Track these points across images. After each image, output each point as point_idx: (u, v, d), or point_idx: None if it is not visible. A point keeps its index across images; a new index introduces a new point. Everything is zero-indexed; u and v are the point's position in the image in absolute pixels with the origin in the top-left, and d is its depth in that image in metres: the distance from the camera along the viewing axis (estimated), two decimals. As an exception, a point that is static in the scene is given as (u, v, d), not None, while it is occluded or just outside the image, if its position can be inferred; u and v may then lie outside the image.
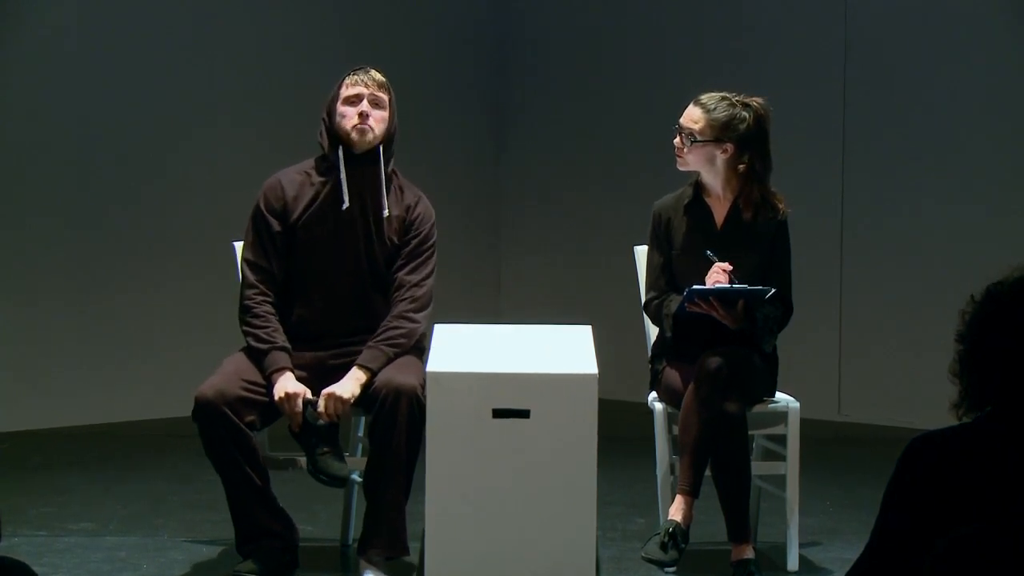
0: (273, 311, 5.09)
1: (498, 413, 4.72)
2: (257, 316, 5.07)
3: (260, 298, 5.09)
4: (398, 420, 4.88)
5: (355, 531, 5.36)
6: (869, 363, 8.03)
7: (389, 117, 5.13)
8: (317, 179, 5.16)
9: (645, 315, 5.34)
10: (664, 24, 8.60)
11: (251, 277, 5.12)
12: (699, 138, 5.13)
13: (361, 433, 5.31)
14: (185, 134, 7.94)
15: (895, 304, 7.95)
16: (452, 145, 8.76)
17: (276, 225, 5.13)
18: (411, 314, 5.10)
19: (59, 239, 7.67)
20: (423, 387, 4.94)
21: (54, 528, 5.73)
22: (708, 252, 5.12)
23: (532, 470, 4.71)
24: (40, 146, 7.62)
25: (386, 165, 5.15)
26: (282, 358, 5.01)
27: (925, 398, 6.94)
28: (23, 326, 7.56)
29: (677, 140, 5.18)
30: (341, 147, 5.12)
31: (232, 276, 5.50)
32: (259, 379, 4.99)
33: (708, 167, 5.17)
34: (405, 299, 5.11)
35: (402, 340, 5.06)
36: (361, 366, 5.00)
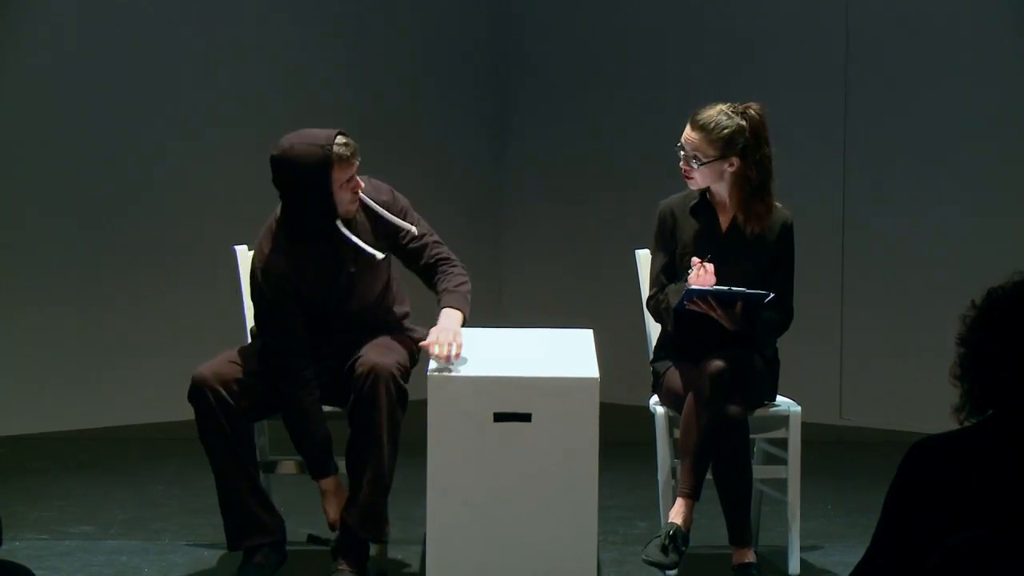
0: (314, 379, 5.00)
1: (499, 417, 4.72)
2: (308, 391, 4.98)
3: (302, 361, 4.97)
4: (377, 403, 4.84)
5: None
6: (870, 367, 8.01)
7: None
8: (304, 249, 4.99)
9: (647, 312, 5.33)
10: (664, 27, 8.59)
11: (282, 342, 4.99)
12: (704, 160, 5.11)
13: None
14: (186, 138, 7.92)
15: (897, 308, 7.93)
16: (453, 149, 8.74)
17: (288, 300, 4.99)
18: (458, 266, 5.10)
19: (59, 243, 7.66)
20: (401, 366, 4.91)
21: (55, 532, 5.73)
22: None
23: (533, 474, 4.71)
24: (40, 149, 7.61)
25: (364, 207, 5.07)
26: (332, 466, 5.01)
27: (927, 402, 6.93)
28: (23, 330, 7.55)
29: (682, 163, 5.15)
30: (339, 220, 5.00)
31: (233, 280, 5.49)
32: (258, 369, 4.97)
33: (718, 182, 5.16)
34: (442, 261, 5.09)
35: (469, 295, 5.07)
36: (453, 307, 4.98)
